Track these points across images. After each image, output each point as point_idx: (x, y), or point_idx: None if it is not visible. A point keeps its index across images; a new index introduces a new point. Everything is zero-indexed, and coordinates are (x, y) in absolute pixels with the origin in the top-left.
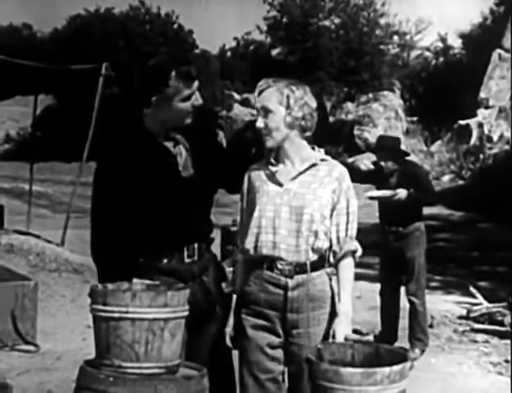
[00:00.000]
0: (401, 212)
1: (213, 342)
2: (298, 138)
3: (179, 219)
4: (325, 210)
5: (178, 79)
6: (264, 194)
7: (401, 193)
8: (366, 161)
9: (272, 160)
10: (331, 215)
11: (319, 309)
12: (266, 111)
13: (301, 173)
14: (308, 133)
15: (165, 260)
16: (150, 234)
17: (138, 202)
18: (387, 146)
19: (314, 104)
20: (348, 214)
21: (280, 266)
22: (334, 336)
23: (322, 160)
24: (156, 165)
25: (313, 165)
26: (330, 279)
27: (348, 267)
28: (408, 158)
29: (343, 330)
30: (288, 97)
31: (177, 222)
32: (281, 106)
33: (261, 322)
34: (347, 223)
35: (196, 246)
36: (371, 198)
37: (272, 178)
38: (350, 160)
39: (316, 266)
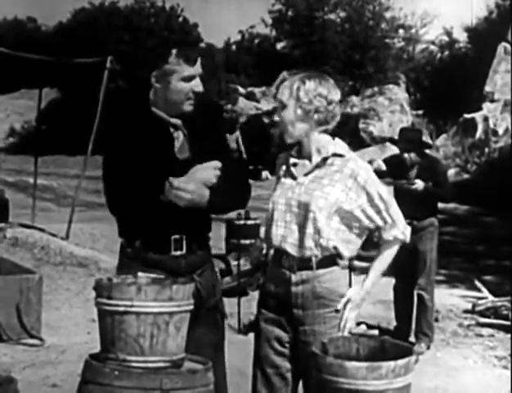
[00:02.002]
0: (417, 206)
1: (195, 347)
2: (315, 132)
3: (167, 204)
4: (333, 207)
5: (179, 57)
6: (279, 186)
7: (419, 184)
8: (379, 161)
9: (293, 153)
10: (355, 212)
11: (325, 307)
12: (281, 105)
13: (315, 168)
14: (325, 127)
15: (152, 251)
16: (143, 216)
17: (137, 183)
18: (409, 138)
19: (333, 96)
20: (374, 205)
21: (285, 261)
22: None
23: (336, 154)
24: (154, 146)
25: (325, 159)
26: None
27: (387, 254)
28: (429, 153)
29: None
30: (298, 89)
31: (165, 206)
32: (292, 99)
33: (271, 315)
34: (378, 213)
35: (184, 238)
36: (389, 184)
37: (289, 170)
38: (356, 154)
39: (325, 263)
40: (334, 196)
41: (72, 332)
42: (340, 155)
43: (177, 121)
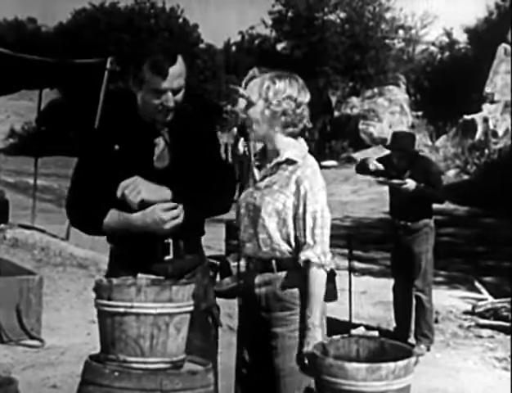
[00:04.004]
0: (412, 207)
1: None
2: (280, 134)
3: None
4: (281, 213)
5: (148, 69)
6: (244, 190)
7: (410, 184)
8: (374, 162)
9: (257, 155)
10: (295, 220)
11: (286, 309)
12: (248, 102)
13: (270, 173)
14: (292, 129)
15: (137, 257)
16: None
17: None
18: (401, 144)
19: (302, 98)
20: (304, 219)
21: (251, 263)
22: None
23: (289, 159)
24: (133, 152)
25: (279, 164)
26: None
27: (309, 279)
28: (423, 154)
29: (308, 343)
30: (268, 88)
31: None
32: (261, 98)
33: (245, 317)
34: (304, 230)
35: (171, 242)
36: (380, 183)
37: (252, 172)
38: (356, 154)
39: (285, 266)
40: (281, 202)
41: (72, 333)
42: (293, 161)
43: (163, 128)
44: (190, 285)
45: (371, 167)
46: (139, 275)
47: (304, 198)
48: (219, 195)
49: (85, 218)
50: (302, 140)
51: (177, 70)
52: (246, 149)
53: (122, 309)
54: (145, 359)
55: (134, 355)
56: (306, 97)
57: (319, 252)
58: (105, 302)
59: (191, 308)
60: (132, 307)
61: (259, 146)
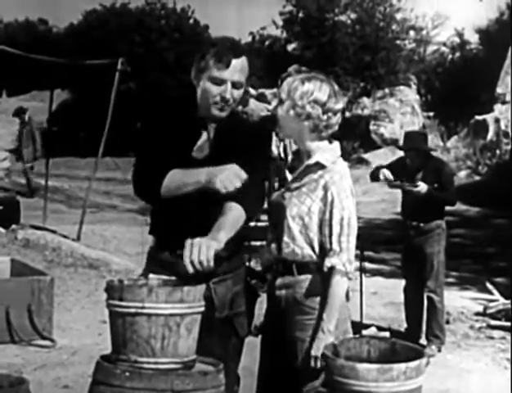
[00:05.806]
0: (424, 208)
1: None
2: (310, 137)
3: (178, 203)
4: (305, 217)
5: (212, 56)
6: (274, 191)
7: (422, 187)
8: (384, 171)
9: (292, 156)
10: (321, 225)
11: (304, 313)
12: (279, 100)
13: (300, 175)
14: (317, 134)
15: (166, 253)
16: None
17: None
18: (414, 143)
19: (331, 104)
20: (331, 226)
21: (274, 264)
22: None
23: (318, 163)
24: (176, 142)
25: (309, 167)
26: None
27: (331, 286)
28: (436, 155)
29: (318, 345)
30: (295, 89)
31: (176, 205)
32: (288, 97)
33: (268, 318)
34: (330, 236)
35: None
36: (392, 187)
37: (283, 174)
38: (367, 155)
39: (306, 269)
40: (307, 205)
41: (83, 333)
42: (323, 166)
43: (211, 123)
44: (201, 286)
45: (381, 177)
46: (150, 275)
47: (331, 204)
48: (245, 202)
49: (144, 185)
50: (336, 143)
51: (239, 64)
52: (280, 150)
53: (133, 310)
54: (157, 359)
55: (145, 356)
56: (337, 104)
57: (344, 260)
58: (117, 303)
59: (202, 308)
60: (143, 308)
61: (293, 147)
